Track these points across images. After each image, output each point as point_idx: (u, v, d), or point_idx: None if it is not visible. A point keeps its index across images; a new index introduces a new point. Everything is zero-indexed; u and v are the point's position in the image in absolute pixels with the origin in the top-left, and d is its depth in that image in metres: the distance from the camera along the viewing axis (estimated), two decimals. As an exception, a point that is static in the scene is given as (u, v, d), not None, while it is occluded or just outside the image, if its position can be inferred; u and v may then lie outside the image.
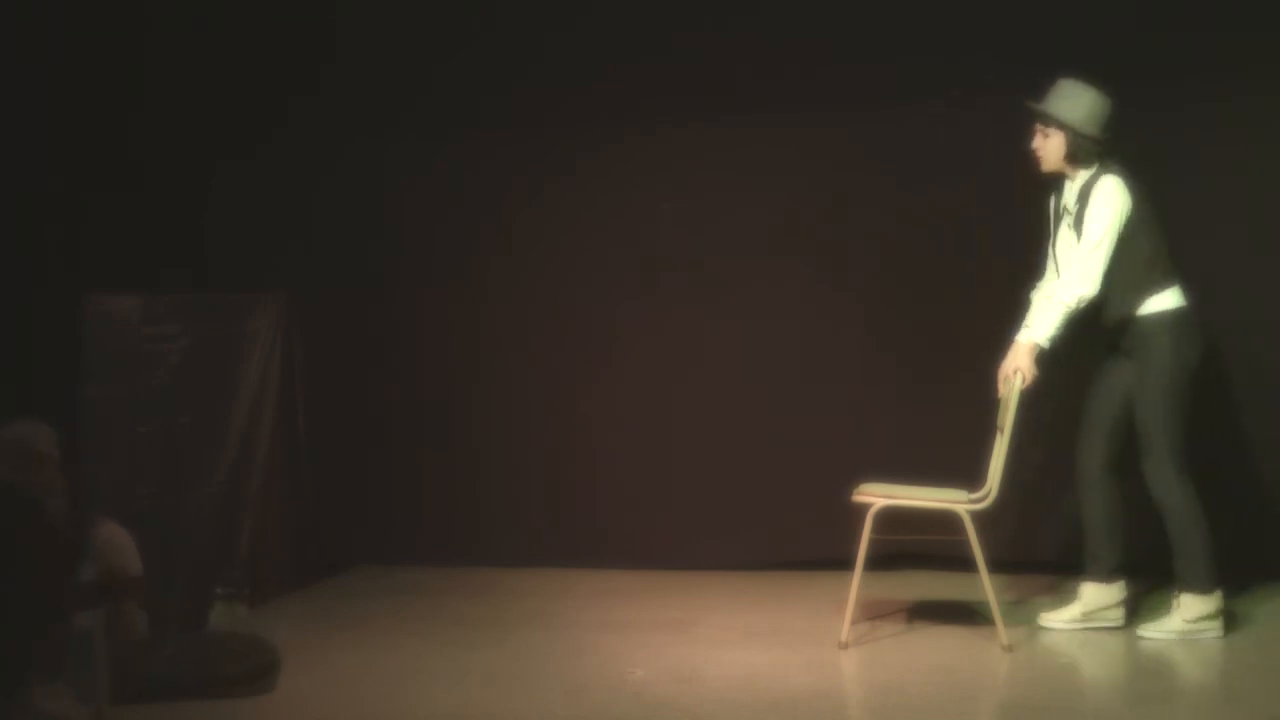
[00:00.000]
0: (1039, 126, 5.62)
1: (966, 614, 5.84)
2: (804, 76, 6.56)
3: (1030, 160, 5.68)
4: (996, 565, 5.52)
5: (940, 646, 5.51)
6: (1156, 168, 6.35)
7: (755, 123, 6.67)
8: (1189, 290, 5.60)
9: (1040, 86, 5.63)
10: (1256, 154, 6.33)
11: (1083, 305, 5.50)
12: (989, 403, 5.66)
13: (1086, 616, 5.68)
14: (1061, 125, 5.57)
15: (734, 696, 4.96)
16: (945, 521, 5.49)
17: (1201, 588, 5.49)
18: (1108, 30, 6.32)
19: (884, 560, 5.84)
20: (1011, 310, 6.25)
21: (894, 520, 5.57)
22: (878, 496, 5.50)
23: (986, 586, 5.43)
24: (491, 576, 6.79)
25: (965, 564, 5.48)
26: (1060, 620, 5.70)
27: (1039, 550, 6.45)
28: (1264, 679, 5.03)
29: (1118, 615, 5.68)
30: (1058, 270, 5.65)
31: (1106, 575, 5.68)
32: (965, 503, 5.45)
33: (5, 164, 6.41)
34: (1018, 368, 5.50)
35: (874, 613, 5.86)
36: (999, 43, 6.36)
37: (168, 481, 5.91)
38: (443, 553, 6.98)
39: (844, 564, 5.59)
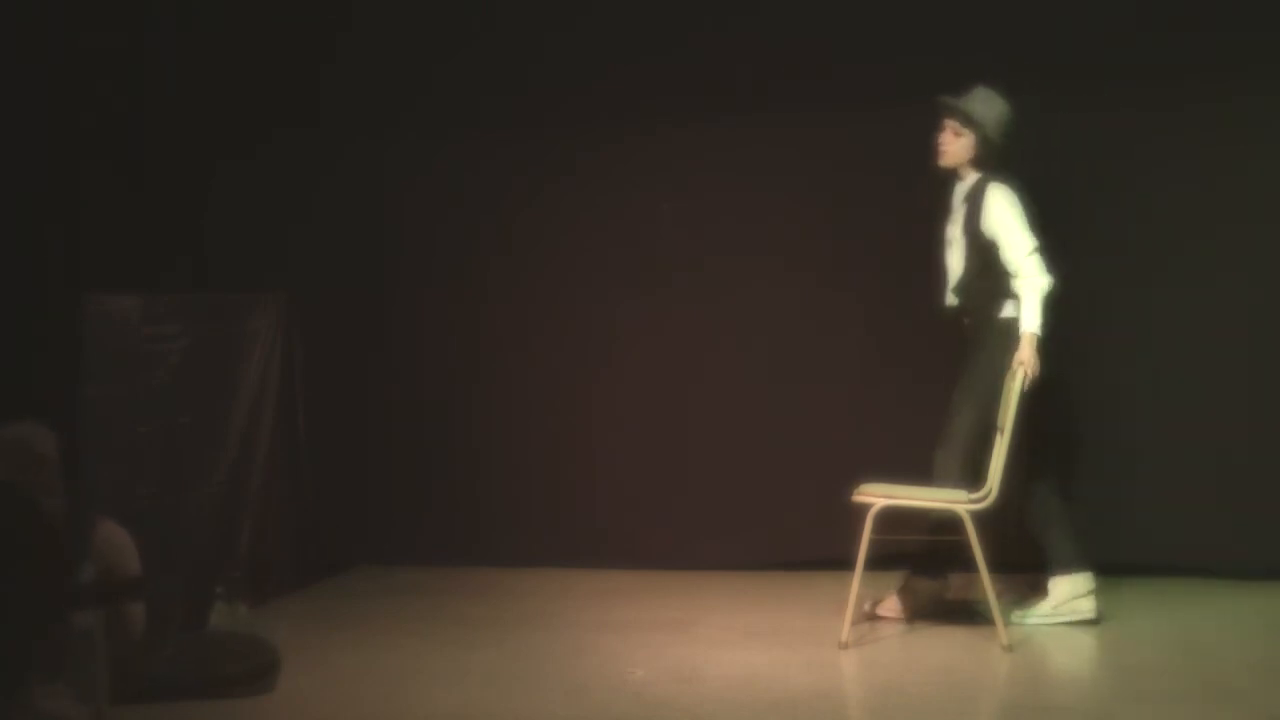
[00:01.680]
0: (952, 124, 5.80)
1: (966, 614, 5.84)
2: (804, 76, 6.56)
3: (933, 152, 5.84)
4: (996, 565, 5.52)
5: (940, 646, 5.51)
6: (1157, 168, 6.39)
7: (755, 123, 6.67)
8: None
9: (963, 87, 5.79)
10: (1257, 154, 6.33)
11: (1048, 293, 5.66)
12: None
13: (1056, 610, 5.74)
14: (976, 126, 5.76)
15: (734, 696, 4.96)
16: (945, 522, 5.50)
17: (1065, 570, 5.73)
18: (1107, 30, 6.33)
19: (884, 560, 5.84)
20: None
21: (894, 520, 5.58)
22: (878, 496, 5.51)
23: (986, 586, 5.44)
24: (491, 576, 6.79)
25: (965, 564, 5.48)
26: (1033, 616, 5.75)
27: (1039, 550, 6.44)
28: (1264, 678, 5.03)
29: (1089, 606, 5.72)
30: (950, 265, 5.85)
31: (1068, 567, 5.75)
32: (965, 503, 5.46)
33: (5, 164, 6.41)
34: (1022, 361, 5.56)
35: (874, 613, 5.86)
36: (998, 43, 6.36)
37: (168, 481, 5.90)
38: (443, 553, 6.98)
39: (844, 564, 5.59)
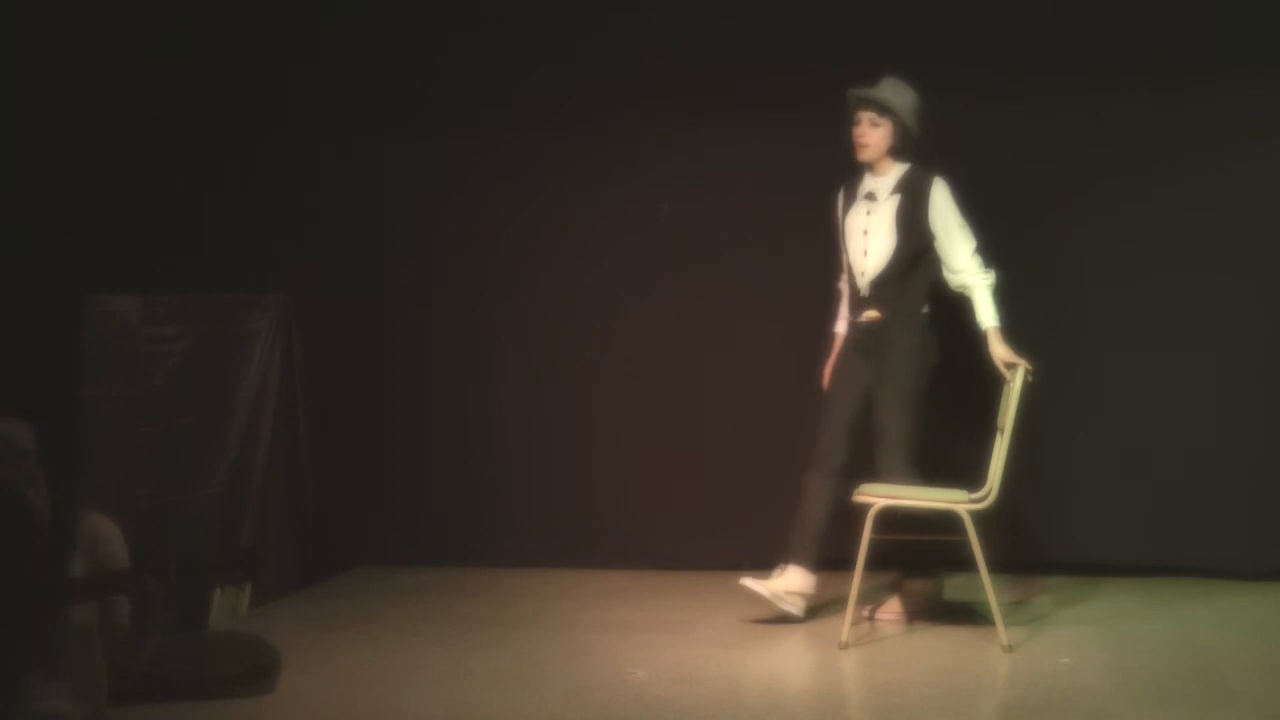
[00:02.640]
0: (867, 115, 5.75)
1: (966, 614, 5.84)
2: (805, 76, 6.56)
3: (850, 149, 5.80)
4: (996, 565, 5.52)
5: (940, 646, 5.51)
6: (1157, 167, 6.39)
7: (755, 123, 6.67)
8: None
9: (873, 78, 5.77)
10: (1257, 154, 6.33)
11: (994, 280, 5.68)
12: (989, 403, 5.67)
13: (777, 595, 5.76)
14: (895, 115, 5.73)
15: (734, 697, 4.96)
16: (945, 521, 5.50)
17: (919, 572, 5.76)
18: (1107, 30, 6.32)
19: (884, 560, 5.84)
20: (1012, 310, 6.26)
21: (894, 520, 5.58)
22: (878, 496, 5.51)
23: (986, 586, 5.44)
24: (491, 576, 6.79)
25: (965, 564, 5.48)
26: (761, 586, 5.76)
27: (1039, 550, 6.45)
28: (1264, 678, 5.03)
29: (802, 605, 5.76)
30: (853, 264, 5.82)
31: (814, 566, 5.76)
32: (965, 503, 5.46)
33: (6, 164, 6.40)
34: (1005, 360, 5.59)
35: (874, 613, 5.86)
36: (999, 43, 6.37)
37: (168, 481, 5.91)
38: (443, 553, 6.98)
39: (844, 564, 5.59)
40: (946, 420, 6.15)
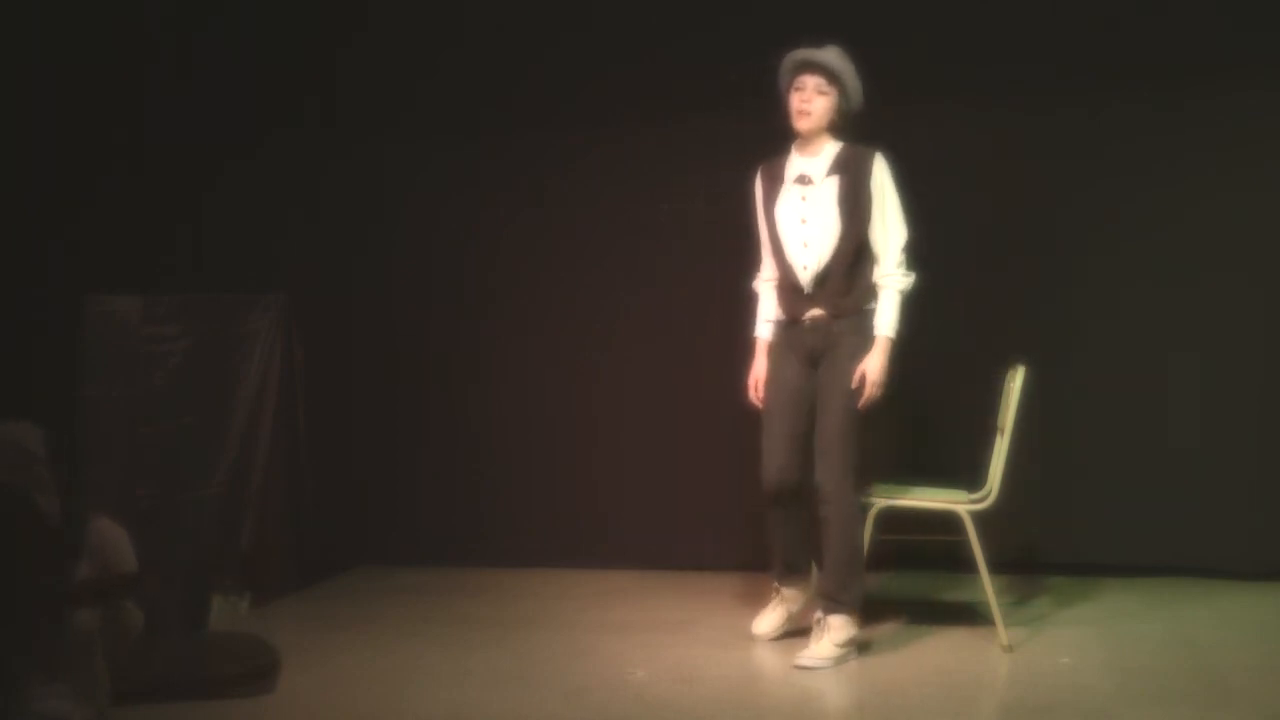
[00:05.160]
0: (814, 81, 5.26)
1: (966, 614, 5.84)
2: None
3: (792, 116, 5.32)
4: (996, 565, 5.52)
5: (940, 646, 5.51)
6: (1157, 167, 6.39)
7: (756, 122, 6.65)
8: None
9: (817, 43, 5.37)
10: (1257, 154, 6.33)
11: (911, 285, 5.29)
12: (989, 403, 5.67)
13: (792, 619, 5.58)
14: (841, 85, 5.26)
15: (734, 697, 4.96)
16: (945, 521, 5.50)
17: (852, 609, 5.32)
18: (1107, 30, 6.33)
19: (884, 560, 5.84)
20: (1013, 310, 6.29)
21: (894, 520, 5.58)
22: (878, 496, 5.51)
23: (986, 586, 5.44)
24: (491, 576, 6.79)
25: (965, 564, 5.48)
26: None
27: (1039, 550, 6.45)
28: (1264, 678, 5.03)
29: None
30: (791, 258, 5.31)
31: (804, 574, 5.54)
32: (965, 503, 5.46)
33: (6, 163, 6.41)
34: (872, 379, 5.20)
35: (874, 613, 5.85)
36: (999, 43, 6.37)
37: (168, 481, 5.91)
38: (443, 553, 6.98)
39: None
40: (946, 420, 6.17)
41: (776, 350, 5.49)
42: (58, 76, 6.63)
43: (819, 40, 5.40)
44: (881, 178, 5.26)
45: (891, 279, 5.27)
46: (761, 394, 5.54)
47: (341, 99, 7.00)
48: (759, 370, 5.56)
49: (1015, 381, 5.53)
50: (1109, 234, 6.42)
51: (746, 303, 5.76)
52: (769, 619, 5.65)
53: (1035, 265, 6.45)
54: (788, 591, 5.64)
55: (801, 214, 5.30)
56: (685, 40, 6.68)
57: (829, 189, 5.27)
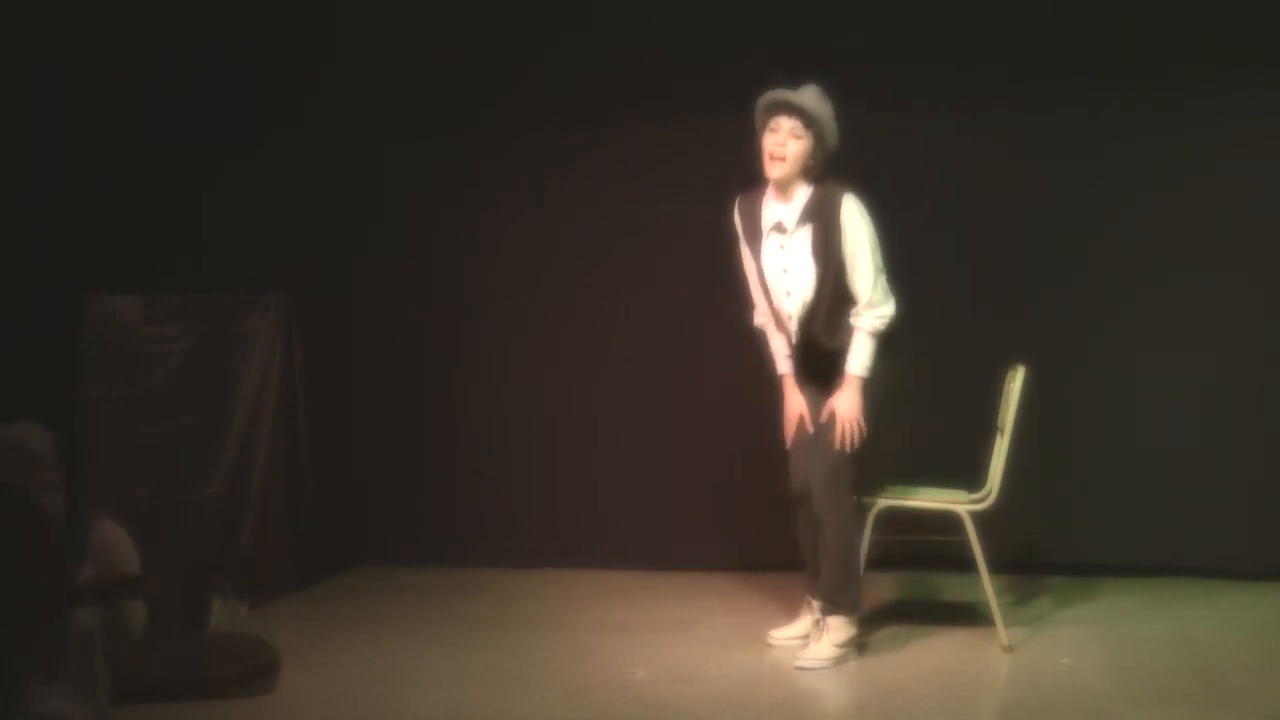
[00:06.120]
0: (789, 124, 5.16)
1: (966, 614, 5.84)
2: (806, 75, 6.55)
3: (764, 160, 5.24)
4: (996, 565, 5.52)
5: (940, 646, 5.51)
6: (1157, 167, 6.39)
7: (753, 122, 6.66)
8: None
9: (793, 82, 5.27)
10: (1257, 154, 6.33)
11: (890, 323, 5.24)
12: (989, 403, 5.67)
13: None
14: (818, 129, 5.16)
15: (734, 697, 4.96)
16: (945, 521, 5.50)
17: (851, 610, 5.33)
18: (1108, 30, 6.33)
19: (884, 560, 5.84)
20: (1013, 310, 6.29)
21: (894, 520, 5.58)
22: (878, 497, 5.51)
23: (986, 586, 5.44)
24: (491, 576, 6.79)
25: (965, 564, 5.48)
26: (787, 633, 5.49)
27: (1039, 550, 6.45)
28: (1264, 678, 5.03)
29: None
30: (777, 306, 5.35)
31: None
32: (965, 503, 5.46)
33: (6, 163, 6.41)
34: (844, 415, 5.21)
35: (874, 613, 5.85)
36: (999, 43, 6.37)
37: (168, 481, 5.91)
38: (443, 553, 6.98)
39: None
40: (946, 420, 6.17)
41: (798, 383, 5.48)
42: (57, 76, 6.62)
43: (814, 51, 5.52)
44: (850, 221, 5.19)
45: (862, 320, 5.25)
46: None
47: (342, 99, 7.00)
48: (797, 405, 5.46)
49: (1015, 381, 5.53)
50: (1109, 234, 6.42)
51: (746, 302, 5.76)
52: (790, 628, 5.61)
53: (1035, 265, 6.45)
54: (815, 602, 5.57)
55: (782, 264, 5.30)
56: (685, 40, 6.68)
57: (803, 238, 5.25)
